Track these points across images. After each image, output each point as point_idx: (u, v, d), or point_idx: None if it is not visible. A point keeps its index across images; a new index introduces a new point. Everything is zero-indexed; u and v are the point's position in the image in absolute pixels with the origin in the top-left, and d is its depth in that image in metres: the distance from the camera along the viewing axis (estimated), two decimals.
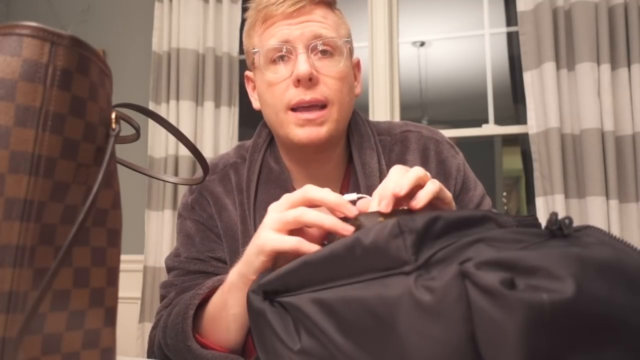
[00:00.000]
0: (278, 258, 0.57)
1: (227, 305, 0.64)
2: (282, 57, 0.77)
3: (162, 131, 2.13)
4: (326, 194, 0.54)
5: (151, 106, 2.17)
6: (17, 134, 0.31)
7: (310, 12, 0.76)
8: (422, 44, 3.64)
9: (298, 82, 0.74)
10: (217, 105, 2.13)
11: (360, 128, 0.85)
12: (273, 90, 0.77)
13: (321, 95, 0.75)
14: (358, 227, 0.50)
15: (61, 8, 2.45)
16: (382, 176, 0.80)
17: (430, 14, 3.21)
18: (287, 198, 0.57)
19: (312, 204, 0.55)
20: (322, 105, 0.76)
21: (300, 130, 0.76)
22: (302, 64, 0.73)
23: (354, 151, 0.82)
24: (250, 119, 2.40)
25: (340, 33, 0.80)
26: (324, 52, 0.77)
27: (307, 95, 0.74)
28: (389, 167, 0.82)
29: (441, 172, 0.83)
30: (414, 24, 3.27)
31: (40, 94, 0.32)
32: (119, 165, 0.42)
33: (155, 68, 2.18)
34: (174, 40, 2.15)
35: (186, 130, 2.09)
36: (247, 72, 0.87)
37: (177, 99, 2.12)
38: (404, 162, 0.83)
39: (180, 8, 2.16)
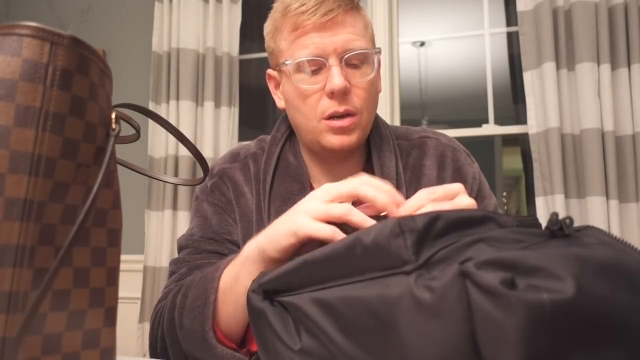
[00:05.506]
0: (302, 247, 0.58)
1: (239, 277, 0.64)
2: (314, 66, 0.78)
3: (162, 131, 2.13)
4: (378, 194, 0.54)
5: (151, 106, 2.17)
6: (17, 134, 0.31)
7: (342, 22, 0.76)
8: (422, 44, 3.64)
9: (332, 94, 0.76)
10: (217, 105, 2.13)
11: (380, 131, 0.87)
12: (306, 100, 0.78)
13: (353, 107, 0.77)
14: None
15: (61, 8, 2.45)
16: (399, 178, 0.82)
17: (430, 14, 3.21)
18: (336, 189, 0.57)
19: (359, 199, 0.56)
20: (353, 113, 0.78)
21: (333, 137, 0.78)
22: (337, 78, 0.75)
23: (374, 152, 0.84)
24: (250, 119, 2.40)
25: (368, 37, 0.81)
26: (354, 63, 0.78)
27: (341, 107, 0.76)
28: (406, 170, 0.84)
29: (457, 180, 0.84)
30: (414, 24, 3.27)
31: (40, 94, 0.32)
32: (119, 165, 0.42)
33: (155, 68, 2.18)
34: (174, 40, 2.15)
35: (186, 130, 2.09)
36: (269, 71, 0.88)
37: (177, 99, 2.12)
38: (420, 166, 0.85)
39: (180, 8, 2.16)
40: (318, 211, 0.55)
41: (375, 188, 0.55)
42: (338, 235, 0.53)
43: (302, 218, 0.56)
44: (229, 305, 0.66)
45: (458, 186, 0.58)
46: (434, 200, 0.55)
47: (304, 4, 0.76)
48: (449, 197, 0.56)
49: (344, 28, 0.76)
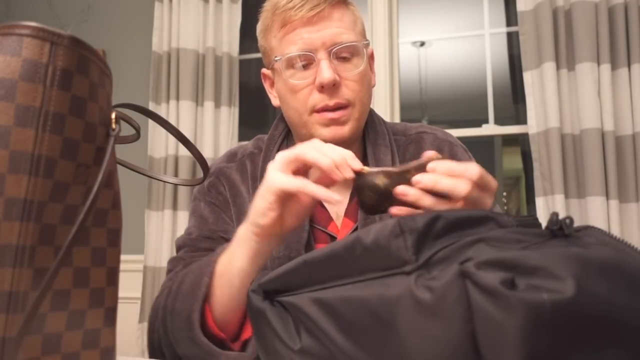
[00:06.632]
0: (284, 212, 0.60)
1: (233, 259, 0.65)
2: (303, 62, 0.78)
3: (162, 131, 2.13)
4: (320, 157, 0.57)
5: (151, 106, 2.16)
6: (17, 134, 0.31)
7: (328, 16, 0.77)
8: (422, 44, 3.64)
9: (322, 87, 0.77)
10: (217, 105, 2.13)
11: (376, 126, 0.87)
12: (296, 95, 0.79)
13: (344, 99, 0.78)
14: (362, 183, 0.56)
15: (61, 8, 2.45)
16: None
17: (430, 14, 3.21)
18: (285, 156, 0.60)
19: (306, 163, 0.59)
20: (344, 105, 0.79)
21: (325, 129, 0.78)
22: (326, 71, 0.75)
23: (368, 148, 0.84)
24: (250, 119, 2.40)
25: (357, 31, 0.81)
26: (344, 56, 0.78)
27: (332, 101, 0.77)
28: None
29: None
30: (414, 24, 3.27)
31: (40, 94, 0.32)
32: (119, 165, 0.42)
33: (155, 68, 2.18)
34: (174, 40, 2.15)
35: (186, 130, 2.09)
36: (263, 70, 0.89)
37: (177, 99, 2.12)
38: None
39: (180, 8, 2.16)
40: (281, 164, 0.59)
41: (318, 151, 0.57)
42: (308, 186, 0.56)
43: (272, 174, 0.59)
44: (223, 288, 0.66)
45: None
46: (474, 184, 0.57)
47: (291, 1, 0.77)
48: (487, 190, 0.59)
49: (331, 22, 0.77)
